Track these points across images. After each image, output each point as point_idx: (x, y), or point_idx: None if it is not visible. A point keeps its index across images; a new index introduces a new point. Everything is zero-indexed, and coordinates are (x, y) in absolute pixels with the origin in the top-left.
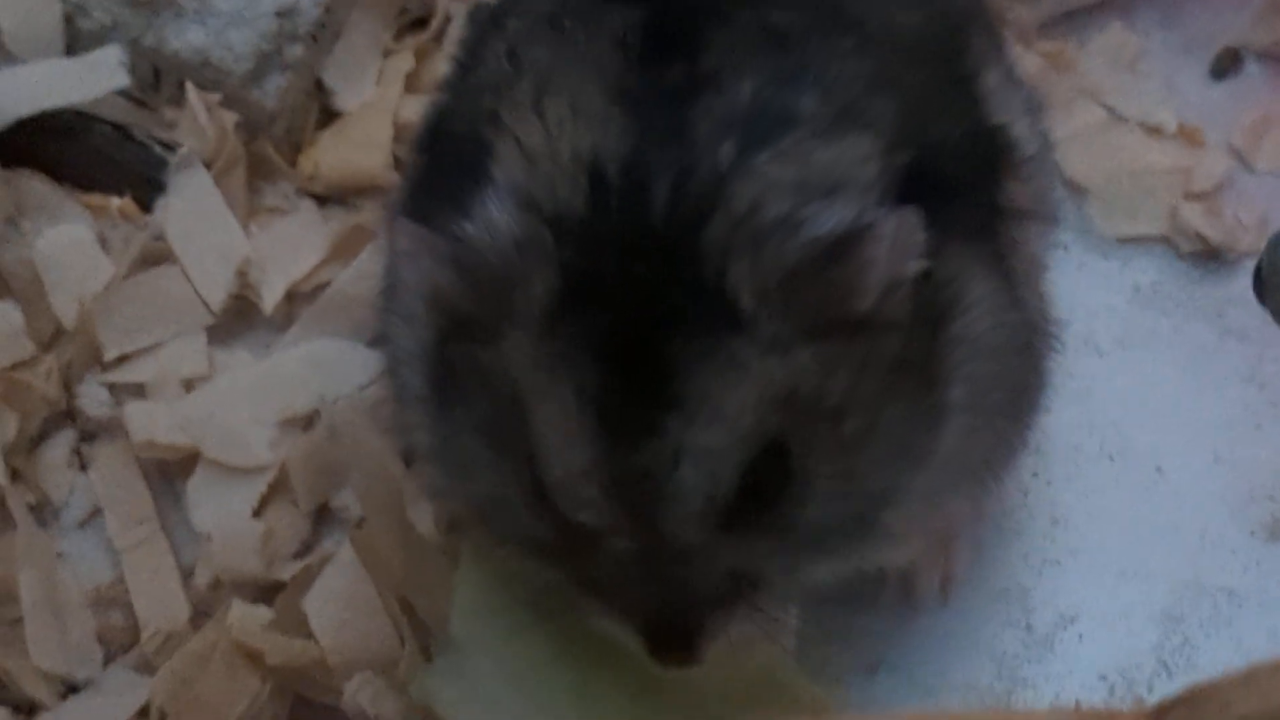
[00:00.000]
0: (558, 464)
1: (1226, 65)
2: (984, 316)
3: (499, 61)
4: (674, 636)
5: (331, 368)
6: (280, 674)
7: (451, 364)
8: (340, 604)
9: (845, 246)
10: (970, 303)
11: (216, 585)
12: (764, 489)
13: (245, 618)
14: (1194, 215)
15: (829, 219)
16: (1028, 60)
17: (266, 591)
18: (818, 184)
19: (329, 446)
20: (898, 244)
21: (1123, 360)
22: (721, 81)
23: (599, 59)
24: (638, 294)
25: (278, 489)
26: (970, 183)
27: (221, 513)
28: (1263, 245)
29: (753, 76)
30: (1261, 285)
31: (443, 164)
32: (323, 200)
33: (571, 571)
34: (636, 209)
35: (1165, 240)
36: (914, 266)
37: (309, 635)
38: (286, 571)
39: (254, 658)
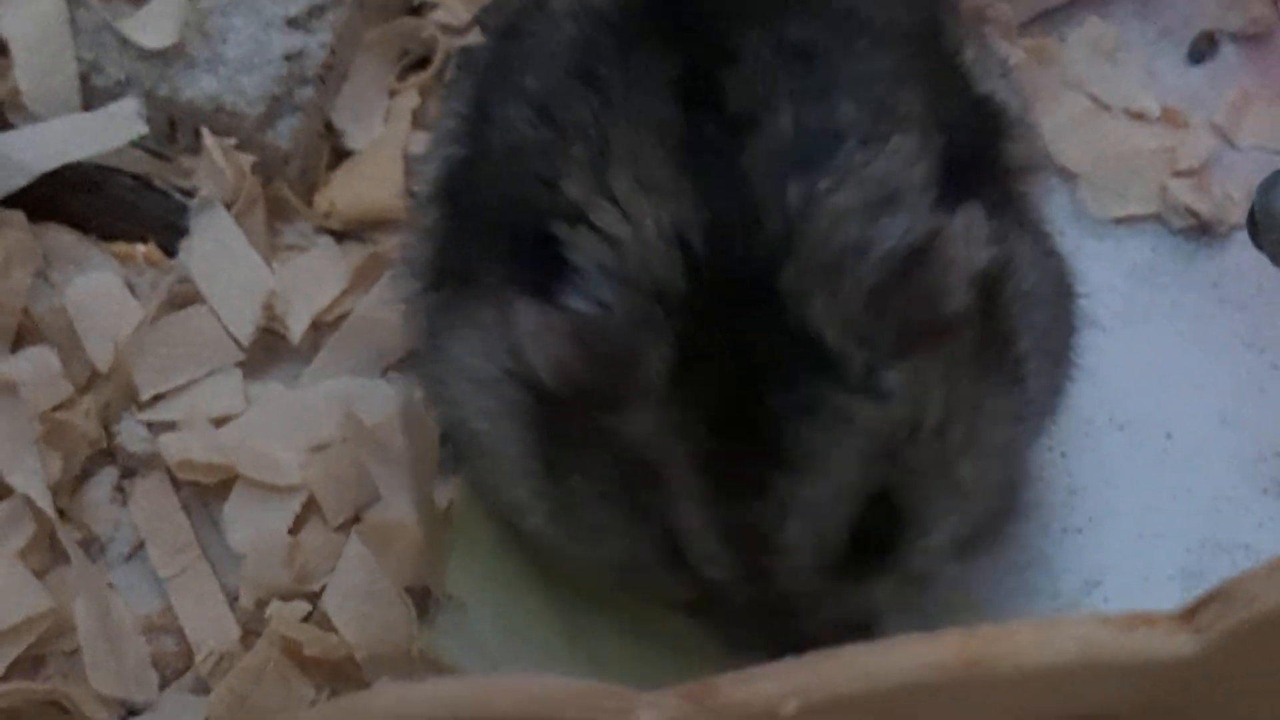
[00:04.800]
0: (684, 525)
1: (1203, 49)
2: (1030, 270)
3: (531, 125)
4: None
5: (355, 398)
6: (321, 670)
7: (564, 432)
8: (358, 598)
9: (923, 254)
10: (1016, 261)
11: (262, 604)
12: (878, 536)
13: (283, 612)
14: (1183, 191)
15: (895, 230)
16: (1011, 55)
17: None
18: (877, 199)
19: (351, 461)
20: (972, 238)
21: (1125, 335)
22: (759, 120)
23: (652, 116)
24: (738, 355)
25: (311, 508)
26: (980, 150)
27: (259, 533)
28: None
29: (787, 104)
30: (1256, 228)
31: (480, 225)
32: (340, 236)
33: (711, 620)
34: (724, 271)
35: (1157, 218)
36: (985, 257)
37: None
38: (320, 584)
39: (294, 653)
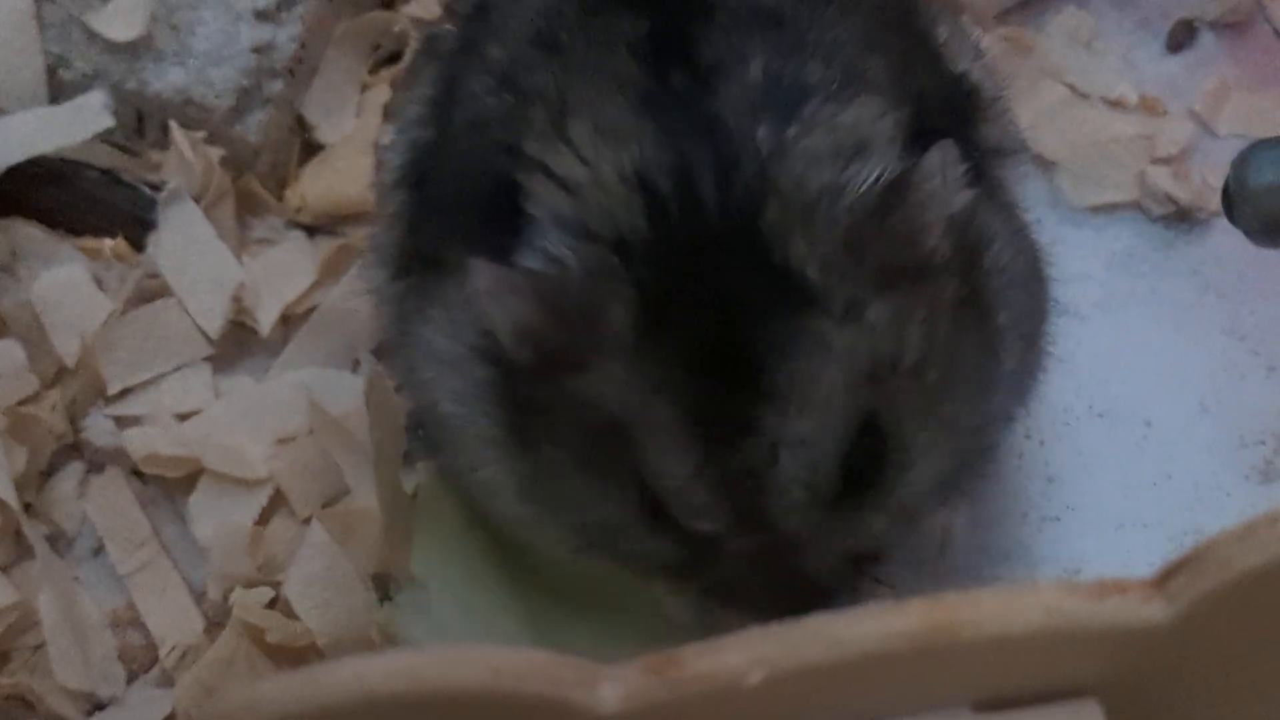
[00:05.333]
0: (668, 477)
1: (1181, 38)
2: (1006, 247)
3: (494, 94)
4: None
5: (321, 389)
6: (286, 659)
7: (530, 401)
8: (320, 585)
9: (898, 191)
10: (991, 236)
11: (229, 596)
12: (867, 467)
13: (246, 599)
14: (1162, 178)
15: (866, 175)
16: (987, 43)
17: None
18: (849, 146)
19: (318, 452)
20: (946, 177)
21: (1104, 323)
22: (729, 70)
23: (614, 72)
24: (713, 296)
25: (278, 500)
26: (952, 129)
27: (225, 526)
28: None
29: (757, 57)
30: (1230, 203)
31: (444, 202)
32: (311, 231)
33: (695, 582)
34: (694, 214)
35: (1136, 205)
36: (962, 199)
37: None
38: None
39: (258, 640)
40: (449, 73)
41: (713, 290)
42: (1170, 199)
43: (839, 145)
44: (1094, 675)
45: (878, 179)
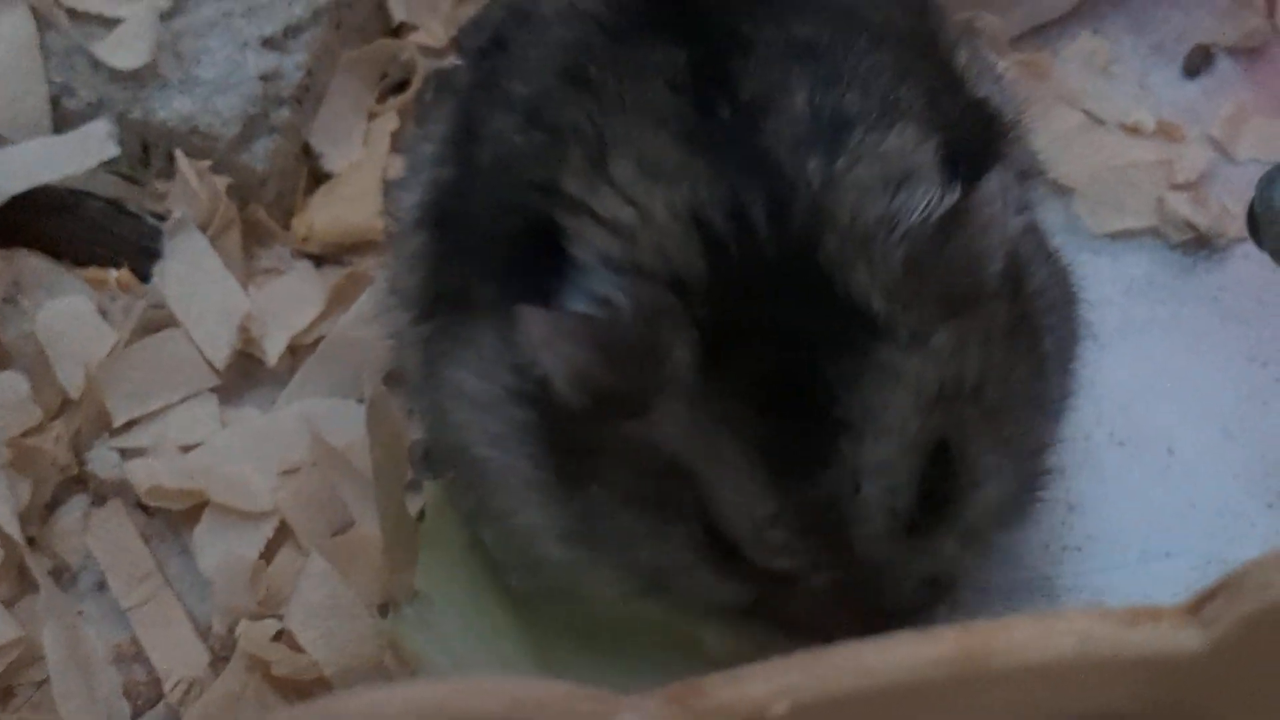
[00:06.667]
0: (743, 518)
1: (1199, 63)
2: (1042, 271)
3: (522, 132)
4: None
5: (325, 419)
6: (293, 692)
7: (577, 442)
8: (323, 614)
9: (958, 218)
10: (1029, 260)
11: (234, 630)
12: (939, 491)
13: (251, 631)
14: (1181, 204)
15: (917, 202)
16: (1003, 68)
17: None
18: (896, 175)
19: (322, 484)
20: (1006, 201)
21: (1124, 350)
22: (773, 103)
23: (653, 107)
24: (776, 331)
25: (284, 533)
26: (979, 152)
27: (229, 558)
28: None
29: (800, 90)
30: (1256, 225)
31: (471, 241)
32: (318, 260)
33: (766, 620)
34: (751, 250)
35: (1154, 232)
36: (1018, 223)
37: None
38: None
39: (264, 673)
40: (467, 109)
41: (775, 325)
42: (1189, 225)
43: (887, 175)
44: (1127, 703)
45: (928, 207)
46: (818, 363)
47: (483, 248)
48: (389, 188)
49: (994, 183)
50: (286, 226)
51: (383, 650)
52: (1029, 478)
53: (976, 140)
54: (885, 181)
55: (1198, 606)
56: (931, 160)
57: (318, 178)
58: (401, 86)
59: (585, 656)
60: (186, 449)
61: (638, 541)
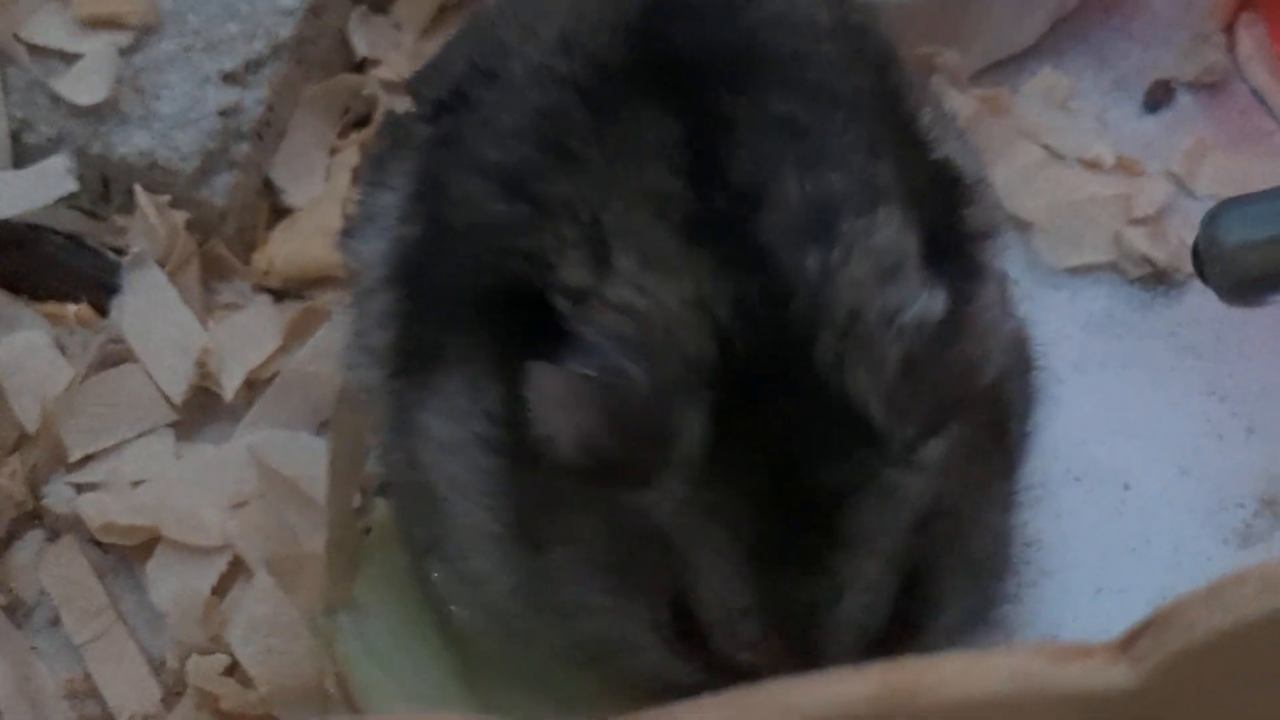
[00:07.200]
0: (719, 607)
1: (1159, 98)
2: (1007, 340)
3: (502, 201)
4: None
5: (276, 451)
6: None
7: (552, 500)
8: (264, 632)
9: (958, 321)
10: (994, 331)
11: (187, 663)
12: (907, 611)
13: (201, 665)
14: (1139, 239)
15: (906, 300)
16: (963, 104)
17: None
18: (886, 269)
19: (272, 514)
20: (1003, 306)
21: (1082, 385)
22: (766, 190)
23: (649, 190)
24: (778, 429)
25: (237, 566)
26: (942, 219)
27: (182, 593)
28: None
29: (790, 175)
30: (1201, 263)
31: (445, 295)
32: (279, 295)
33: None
34: (754, 346)
35: (1113, 267)
36: (1012, 326)
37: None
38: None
39: (213, 708)
40: (430, 168)
41: (777, 423)
42: (1147, 260)
43: (879, 269)
44: None
45: (916, 304)
46: (814, 468)
47: (457, 303)
48: (343, 232)
49: (993, 290)
50: (247, 261)
51: (322, 674)
52: (990, 588)
53: (936, 205)
54: (877, 276)
55: (1128, 643)
56: (916, 250)
57: (279, 212)
58: (364, 122)
59: (516, 686)
60: (138, 484)
61: (596, 611)
